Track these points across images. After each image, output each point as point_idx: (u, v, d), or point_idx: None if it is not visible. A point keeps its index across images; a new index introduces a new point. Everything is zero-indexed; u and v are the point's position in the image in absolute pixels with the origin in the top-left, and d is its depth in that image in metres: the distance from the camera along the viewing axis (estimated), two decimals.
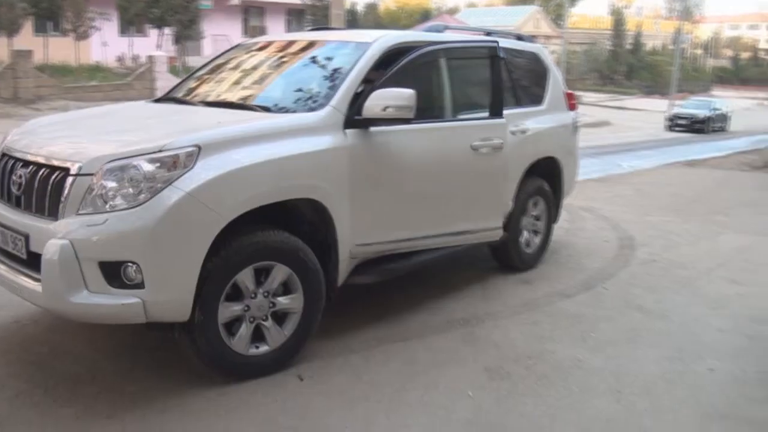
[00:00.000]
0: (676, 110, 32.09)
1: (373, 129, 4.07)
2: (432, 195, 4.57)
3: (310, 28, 6.47)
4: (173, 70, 24.87)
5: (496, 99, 4.94)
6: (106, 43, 28.42)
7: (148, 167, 3.20)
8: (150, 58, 24.03)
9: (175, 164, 3.24)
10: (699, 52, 70.30)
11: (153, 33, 29.46)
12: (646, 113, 38.03)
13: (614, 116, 32.73)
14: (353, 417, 3.37)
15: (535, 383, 3.78)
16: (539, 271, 5.83)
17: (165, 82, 21.83)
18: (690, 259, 6.51)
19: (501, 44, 5.17)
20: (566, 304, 5.08)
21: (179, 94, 4.84)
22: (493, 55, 4.96)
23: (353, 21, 29.11)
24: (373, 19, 48.90)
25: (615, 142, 21.69)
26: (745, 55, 68.55)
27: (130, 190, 3.18)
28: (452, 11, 58.43)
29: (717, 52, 73.26)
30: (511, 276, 5.65)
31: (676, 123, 30.61)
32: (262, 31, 33.29)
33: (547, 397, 3.63)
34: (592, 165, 13.89)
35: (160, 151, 3.24)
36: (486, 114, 4.94)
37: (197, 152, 3.30)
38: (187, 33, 28.73)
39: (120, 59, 28.64)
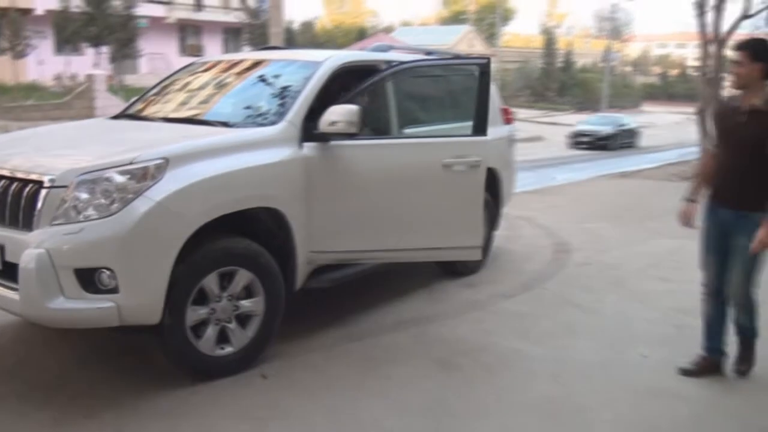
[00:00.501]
0: (579, 127, 29.49)
1: (330, 143, 4.33)
2: (392, 210, 4.64)
3: (261, 47, 6.71)
4: (111, 89, 24.67)
5: (479, 115, 4.84)
6: (43, 62, 28.03)
7: (119, 179, 3.42)
8: (89, 77, 23.79)
9: (145, 176, 3.46)
10: (629, 69, 72.88)
11: (89, 52, 29.15)
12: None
13: (547, 131, 33.66)
14: (318, 407, 3.62)
15: (483, 372, 4.11)
16: (482, 275, 6.17)
17: (104, 101, 21.67)
18: (622, 261, 6.96)
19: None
20: (508, 303, 5.44)
21: (137, 111, 5.04)
22: (469, 74, 5.20)
23: (290, 39, 29.45)
24: (309, 38, 49.19)
25: (549, 156, 22.44)
26: (673, 72, 71.19)
27: (103, 200, 3.38)
28: (388, 30, 59.17)
29: (646, 70, 76.03)
30: (455, 280, 5.96)
31: (578, 140, 28.03)
32: (198, 50, 33.29)
33: (494, 383, 3.96)
34: (528, 178, 14.42)
35: (131, 163, 3.46)
36: (461, 131, 5.00)
37: (165, 164, 3.53)
38: (124, 52, 28.55)
39: (57, 78, 28.24)
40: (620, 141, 28.80)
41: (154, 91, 5.32)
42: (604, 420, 3.58)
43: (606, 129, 28.72)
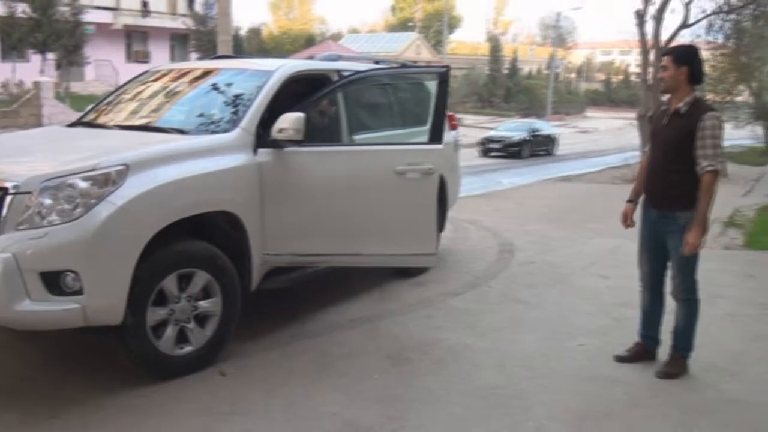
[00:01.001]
0: (490, 133, 27.53)
1: (284, 150, 4.51)
2: (345, 215, 4.70)
3: (214, 56, 6.85)
4: (58, 97, 24.29)
5: (436, 124, 4.87)
6: None
7: (82, 184, 3.55)
8: (36, 84, 23.36)
9: (106, 181, 3.61)
10: (573, 76, 74.44)
11: (35, 58, 28.60)
12: None
13: None
14: (277, 401, 3.80)
15: (432, 365, 4.34)
16: (430, 275, 6.41)
17: (52, 108, 21.32)
18: (564, 259, 7.31)
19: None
20: (456, 300, 5.70)
21: (93, 119, 5.15)
22: (422, 83, 5.42)
23: (237, 46, 29.32)
24: (257, 45, 49.03)
25: (494, 161, 22.92)
26: (617, 78, 72.83)
27: (66, 205, 3.51)
28: (335, 37, 59.33)
29: (590, 76, 77.74)
30: (405, 280, 6.19)
31: (487, 147, 25.79)
32: (145, 56, 32.95)
33: (443, 374, 4.20)
34: (475, 182, 14.82)
35: (93, 169, 3.60)
36: (418, 138, 5.19)
37: (126, 170, 3.68)
38: (71, 58, 28.11)
39: (4, 85, 27.65)
40: (533, 148, 26.43)
41: (110, 99, 5.43)
42: (543, 403, 3.85)
43: (518, 135, 26.23)
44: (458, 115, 7.86)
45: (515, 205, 11.75)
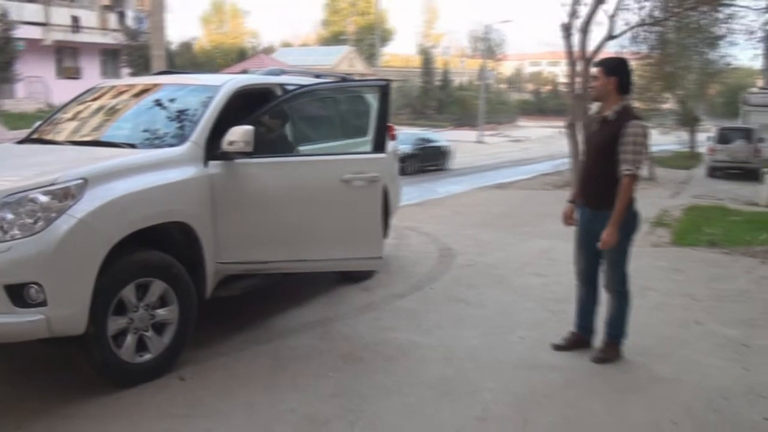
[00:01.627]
0: None
1: (234, 161, 4.69)
2: (295, 223, 4.88)
3: (159, 72, 6.98)
4: None
5: (379, 134, 5.10)
6: None
7: (43, 199, 3.66)
8: None
9: (66, 195, 3.73)
10: (504, 86, 76.05)
11: None
12: (458, 143, 40.59)
13: None
14: (236, 403, 3.97)
15: (383, 361, 4.59)
16: (375, 280, 6.65)
17: None
18: (501, 261, 7.67)
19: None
20: (401, 302, 5.96)
21: (42, 136, 5.22)
22: (363, 96, 5.67)
23: (169, 61, 29.07)
24: (188, 59, 48.61)
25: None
26: (546, 88, 74.65)
27: (28, 220, 3.61)
28: (268, 50, 59.26)
29: (520, 87, 79.56)
30: (352, 285, 6.42)
31: None
32: (76, 72, 32.29)
33: (394, 370, 4.45)
34: (412, 192, 15.15)
35: (53, 184, 3.72)
36: (359, 148, 5.47)
37: (85, 184, 3.81)
38: (2, 75, 27.40)
39: None
40: (421, 163, 23.44)
41: (58, 115, 5.51)
42: (488, 389, 4.15)
43: (403, 148, 21.87)
44: (394, 127, 8.12)
45: (452, 212, 12.12)
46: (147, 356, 4.22)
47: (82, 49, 33.06)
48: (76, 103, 5.60)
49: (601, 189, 4.46)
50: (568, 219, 4.84)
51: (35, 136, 5.30)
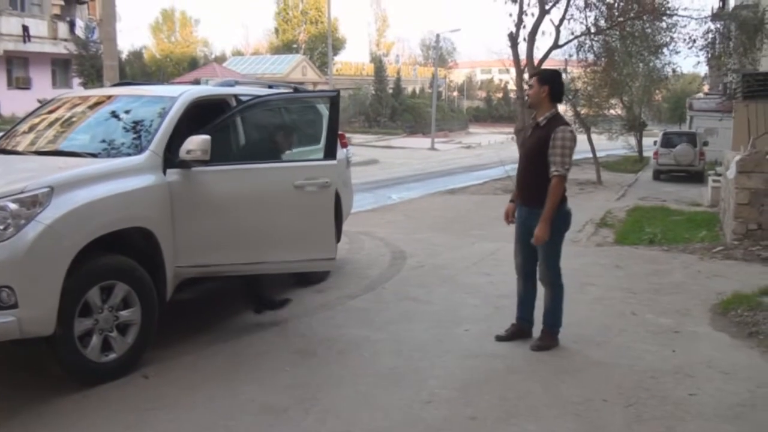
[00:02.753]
0: None
1: (191, 169, 4.93)
2: (250, 227, 5.13)
3: (117, 83, 7.20)
4: None
5: (330, 141, 5.43)
6: None
7: (12, 206, 3.87)
8: None
9: (34, 203, 3.95)
10: (455, 94, 76.89)
11: None
12: (411, 150, 41.20)
13: (382, 155, 35.03)
14: (199, 396, 4.22)
15: (337, 355, 4.88)
16: (329, 282, 6.94)
17: None
18: (451, 262, 8.04)
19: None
20: (354, 302, 6.26)
21: (4, 146, 5.38)
22: (313, 105, 6.04)
23: (119, 70, 28.82)
24: (139, 68, 48.24)
25: (384, 178, 23.67)
26: (496, 96, 75.50)
27: None
28: (219, 59, 58.94)
29: (471, 94, 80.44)
30: (307, 288, 6.69)
31: None
32: (26, 82, 31.83)
33: (347, 362, 4.75)
34: (366, 198, 15.47)
35: (22, 192, 3.94)
36: (312, 155, 5.84)
37: (51, 192, 4.03)
38: None
39: None
40: None
41: (18, 127, 5.68)
42: (436, 376, 4.49)
43: None
44: (347, 135, 8.43)
45: (404, 217, 12.47)
46: (112, 356, 4.43)
47: (32, 59, 32.59)
48: (37, 114, 5.78)
49: (533, 189, 4.85)
50: (509, 217, 5.23)
51: None
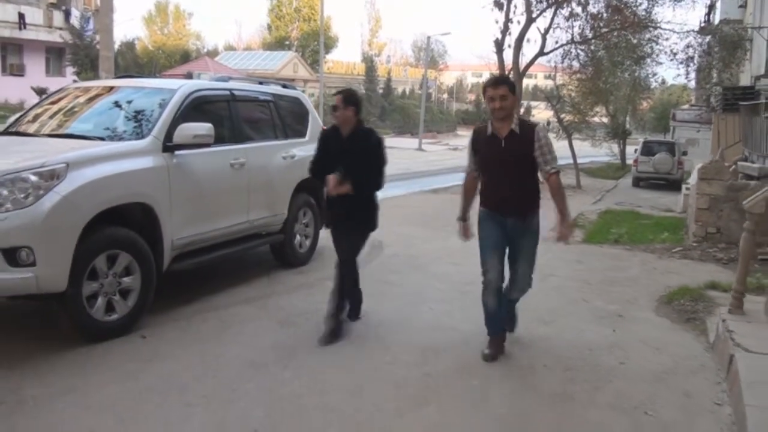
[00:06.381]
0: None
1: (182, 152, 5.60)
2: (225, 197, 6.20)
3: (120, 75, 7.80)
4: None
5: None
6: None
7: (33, 178, 4.45)
8: None
9: (52, 176, 4.52)
10: (445, 96, 77.53)
11: None
12: (398, 150, 41.73)
13: None
14: (189, 352, 4.81)
15: (313, 326, 5.46)
16: (311, 266, 7.54)
17: None
18: (424, 252, 8.65)
19: (272, 91, 6.99)
20: (332, 283, 6.77)
21: (20, 129, 5.96)
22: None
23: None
24: (131, 59, 48.49)
25: None
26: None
27: (21, 195, 4.39)
28: (211, 54, 59.21)
29: (461, 97, 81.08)
30: (289, 270, 7.29)
31: None
32: (20, 69, 32.18)
33: (321, 331, 5.31)
34: None
35: (42, 166, 4.51)
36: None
37: (67, 168, 4.61)
38: None
39: None
40: None
41: (30, 112, 6.25)
42: (397, 343, 5.12)
43: None
44: None
45: (385, 212, 12.84)
46: (114, 316, 5.02)
47: (27, 46, 32.86)
48: (48, 101, 6.35)
49: (527, 196, 4.73)
50: (468, 235, 5.18)
51: (12, 129, 6.02)
